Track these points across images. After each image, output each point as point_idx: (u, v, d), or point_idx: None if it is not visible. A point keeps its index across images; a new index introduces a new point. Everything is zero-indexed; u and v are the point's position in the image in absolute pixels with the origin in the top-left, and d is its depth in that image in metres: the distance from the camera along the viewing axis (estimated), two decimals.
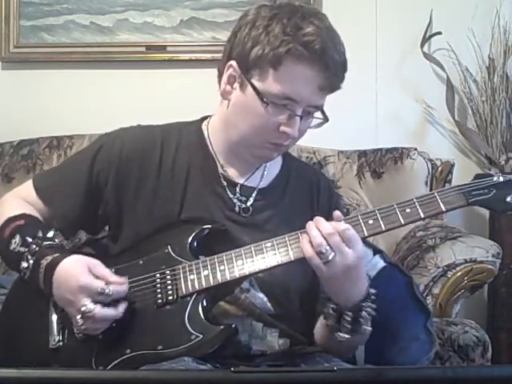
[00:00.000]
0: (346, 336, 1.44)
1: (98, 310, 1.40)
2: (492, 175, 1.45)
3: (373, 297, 1.45)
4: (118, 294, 1.43)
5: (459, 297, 2.22)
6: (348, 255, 1.38)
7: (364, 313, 1.43)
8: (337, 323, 1.45)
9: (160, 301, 1.46)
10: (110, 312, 1.42)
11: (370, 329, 1.45)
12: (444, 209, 1.42)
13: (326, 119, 1.53)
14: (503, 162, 2.74)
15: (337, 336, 1.45)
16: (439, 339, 1.93)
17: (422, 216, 1.43)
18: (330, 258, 1.37)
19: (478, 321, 2.19)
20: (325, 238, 1.37)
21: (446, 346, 2.03)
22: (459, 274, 2.19)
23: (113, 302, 1.43)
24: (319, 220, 1.41)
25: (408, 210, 1.42)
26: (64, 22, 2.91)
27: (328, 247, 1.37)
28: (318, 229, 1.39)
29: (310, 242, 1.39)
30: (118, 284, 1.43)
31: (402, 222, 1.43)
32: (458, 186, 1.45)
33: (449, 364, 2.00)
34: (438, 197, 1.43)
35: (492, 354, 2.07)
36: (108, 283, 1.42)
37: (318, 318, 1.55)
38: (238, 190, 1.58)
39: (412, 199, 1.43)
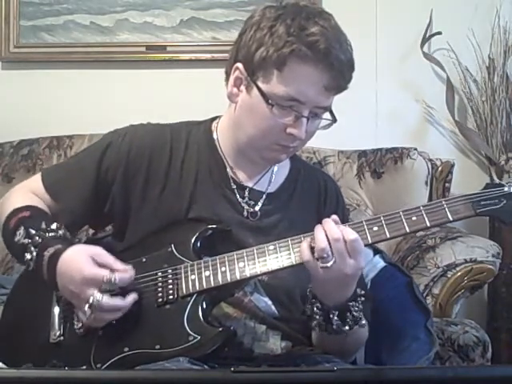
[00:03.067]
0: (347, 328, 1.43)
1: (106, 300, 1.39)
2: (503, 185, 1.41)
3: (362, 298, 1.44)
4: (124, 281, 1.41)
5: (459, 297, 2.22)
6: (348, 265, 1.36)
7: (350, 313, 1.42)
8: (323, 322, 1.44)
9: (160, 300, 1.46)
10: (118, 302, 1.41)
11: (347, 328, 1.43)
12: (451, 218, 1.39)
13: (334, 120, 1.51)
14: (503, 162, 2.74)
15: (324, 335, 1.45)
16: (439, 339, 1.93)
17: (428, 225, 1.40)
18: (329, 264, 1.35)
19: (477, 321, 2.19)
20: (329, 243, 1.35)
21: (446, 346, 2.03)
22: (459, 274, 2.20)
23: (121, 292, 1.42)
24: (328, 222, 1.38)
25: (414, 218, 1.40)
26: (64, 22, 2.91)
27: (330, 253, 1.35)
28: (325, 232, 1.37)
29: (311, 246, 1.38)
30: (122, 271, 1.42)
31: (407, 230, 1.40)
32: (467, 195, 1.41)
33: (449, 364, 2.00)
34: (445, 205, 1.40)
35: (492, 354, 2.07)
36: (112, 271, 1.40)
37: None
38: (246, 193, 1.58)
39: (419, 207, 1.40)
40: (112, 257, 1.44)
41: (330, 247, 1.35)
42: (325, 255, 1.35)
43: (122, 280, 1.41)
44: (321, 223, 1.41)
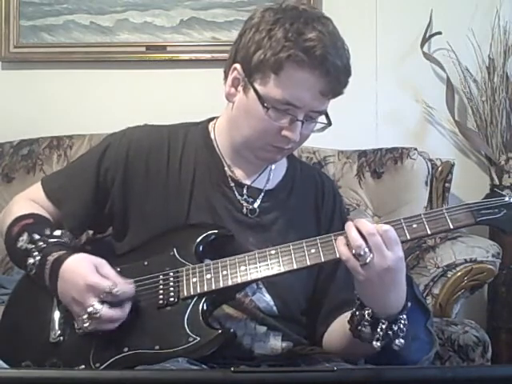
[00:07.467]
0: (379, 344, 1.38)
1: (105, 311, 1.41)
2: (504, 195, 1.43)
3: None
4: (125, 295, 1.43)
5: (459, 297, 2.22)
6: (387, 257, 1.33)
7: (396, 326, 1.38)
8: (371, 331, 1.39)
9: (161, 302, 1.47)
10: (116, 313, 1.42)
11: (402, 341, 1.39)
12: (452, 226, 1.40)
13: (329, 123, 1.52)
14: (503, 162, 2.74)
15: (371, 345, 1.39)
16: (439, 339, 1.93)
17: (429, 232, 1.40)
18: (368, 260, 1.32)
19: (477, 321, 2.19)
20: (364, 239, 1.33)
21: (446, 346, 2.03)
22: (459, 273, 2.20)
23: (119, 303, 1.43)
24: (360, 220, 1.36)
25: (415, 226, 1.40)
26: (64, 22, 2.91)
27: (367, 249, 1.32)
28: (358, 229, 1.34)
29: (347, 244, 1.35)
30: (124, 284, 1.43)
31: (408, 237, 1.40)
32: (467, 203, 1.42)
33: (449, 364, 1.99)
34: (446, 214, 1.40)
35: (492, 354, 2.07)
36: (115, 284, 1.42)
37: (331, 322, 1.54)
38: (245, 191, 1.59)
39: (419, 214, 1.41)
40: (113, 270, 1.45)
41: (366, 243, 1.33)
42: (362, 252, 1.32)
43: (123, 293, 1.42)
44: (319, 222, 1.40)
